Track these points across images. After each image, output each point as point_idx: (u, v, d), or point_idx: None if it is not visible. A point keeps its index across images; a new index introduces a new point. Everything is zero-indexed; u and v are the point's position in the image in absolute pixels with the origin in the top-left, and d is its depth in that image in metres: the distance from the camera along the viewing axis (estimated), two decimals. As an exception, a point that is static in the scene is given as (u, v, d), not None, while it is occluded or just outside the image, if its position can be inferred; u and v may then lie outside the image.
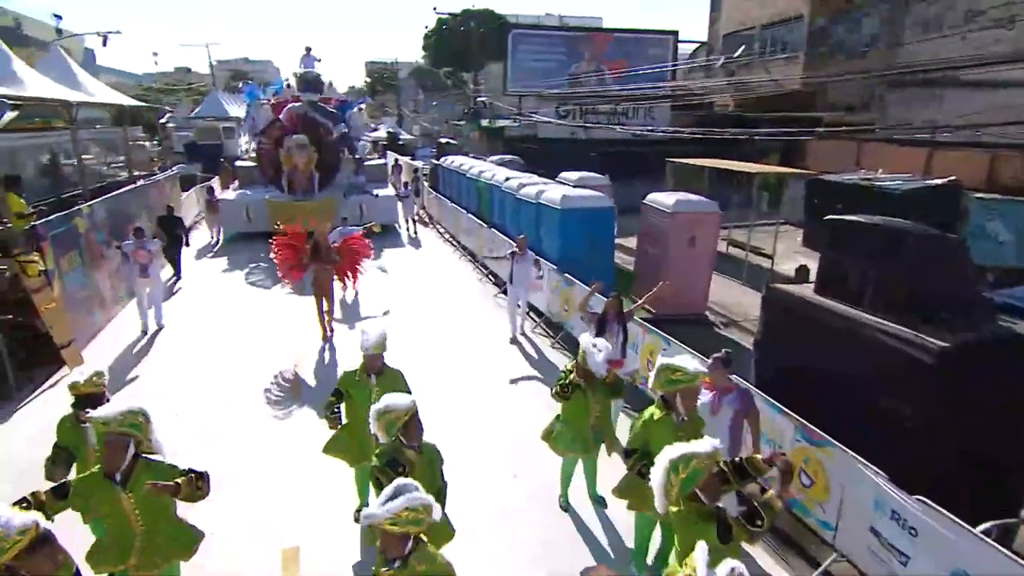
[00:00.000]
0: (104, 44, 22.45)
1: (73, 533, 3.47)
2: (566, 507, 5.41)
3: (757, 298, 11.77)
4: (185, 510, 3.59)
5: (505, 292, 9.80)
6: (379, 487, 3.55)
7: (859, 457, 4.25)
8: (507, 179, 13.10)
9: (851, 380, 5.08)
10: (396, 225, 17.97)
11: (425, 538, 2.80)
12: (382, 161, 21.30)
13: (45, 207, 9.09)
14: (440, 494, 3.86)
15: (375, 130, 48.64)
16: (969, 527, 3.55)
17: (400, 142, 40.75)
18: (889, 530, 4.01)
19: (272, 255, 9.27)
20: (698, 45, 32.50)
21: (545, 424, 5.22)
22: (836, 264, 5.57)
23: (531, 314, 10.24)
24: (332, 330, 9.27)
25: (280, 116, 15.62)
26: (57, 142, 11.08)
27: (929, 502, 3.73)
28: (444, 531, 3.88)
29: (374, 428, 3.68)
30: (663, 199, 10.45)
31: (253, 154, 16.98)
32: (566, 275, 9.17)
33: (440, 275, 13.29)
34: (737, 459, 3.45)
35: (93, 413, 3.21)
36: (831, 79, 18.39)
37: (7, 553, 2.29)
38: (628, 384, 6.58)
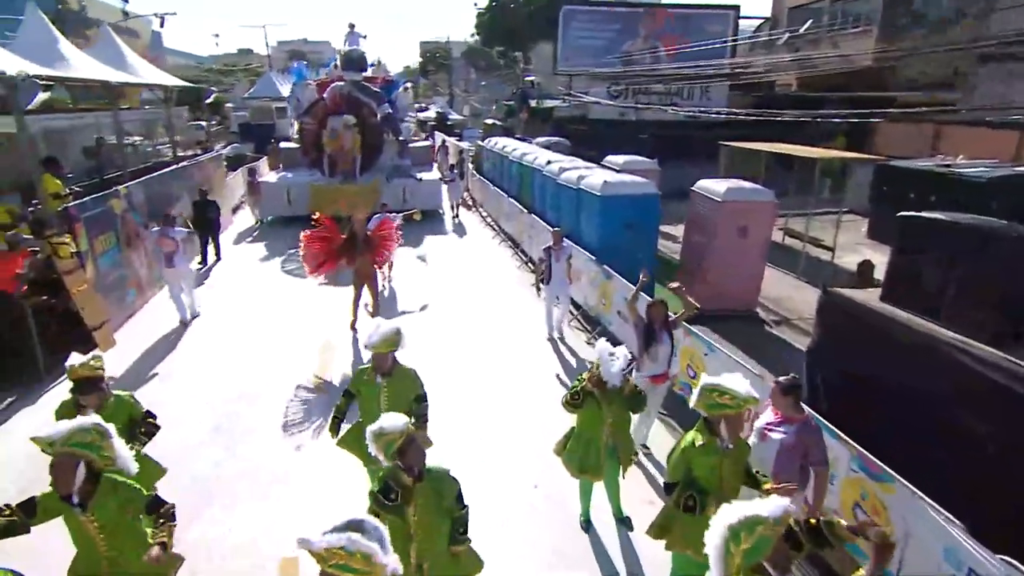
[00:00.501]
0: (161, 25, 22.91)
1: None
2: (587, 527, 4.97)
3: (813, 294, 10.95)
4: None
5: (539, 290, 9.21)
6: (373, 512, 3.25)
7: (930, 501, 3.61)
8: (548, 162, 12.53)
9: (922, 405, 4.38)
10: (440, 211, 17.43)
11: None
12: (427, 143, 20.76)
13: (80, 188, 9.10)
14: (456, 527, 3.45)
15: (425, 110, 48.62)
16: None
17: (449, 122, 40.45)
18: (962, 589, 3.38)
19: (301, 248, 8.71)
20: (762, 21, 30.69)
21: (563, 432, 4.79)
22: (909, 268, 4.84)
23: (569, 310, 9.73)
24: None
25: (324, 96, 15.32)
26: (100, 123, 11.13)
27: (1018, 565, 3.09)
28: (472, 562, 3.62)
29: (372, 450, 3.30)
30: (713, 186, 9.69)
31: (297, 135, 16.75)
32: (604, 267, 8.61)
33: (479, 264, 12.80)
34: (815, 520, 2.84)
35: (39, 435, 2.92)
36: (912, 53, 16.75)
37: None
38: (667, 388, 6.05)
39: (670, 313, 5.75)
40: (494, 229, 16.35)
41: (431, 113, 43.56)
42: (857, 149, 17.25)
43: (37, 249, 7.43)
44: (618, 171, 12.74)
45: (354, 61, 16.42)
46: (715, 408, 3.53)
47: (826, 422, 4.46)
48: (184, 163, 13.10)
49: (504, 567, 4.38)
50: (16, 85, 7.34)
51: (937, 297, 4.53)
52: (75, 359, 4.06)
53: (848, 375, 5.04)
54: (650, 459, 5.88)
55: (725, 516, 2.44)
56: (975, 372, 3.96)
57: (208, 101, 15.11)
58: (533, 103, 29.87)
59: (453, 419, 6.47)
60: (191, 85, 16.04)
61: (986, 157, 13.04)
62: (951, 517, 3.48)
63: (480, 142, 22.41)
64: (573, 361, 8.19)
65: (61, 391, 7.20)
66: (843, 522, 2.79)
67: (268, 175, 16.46)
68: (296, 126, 15.92)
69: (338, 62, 17.30)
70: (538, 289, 8.91)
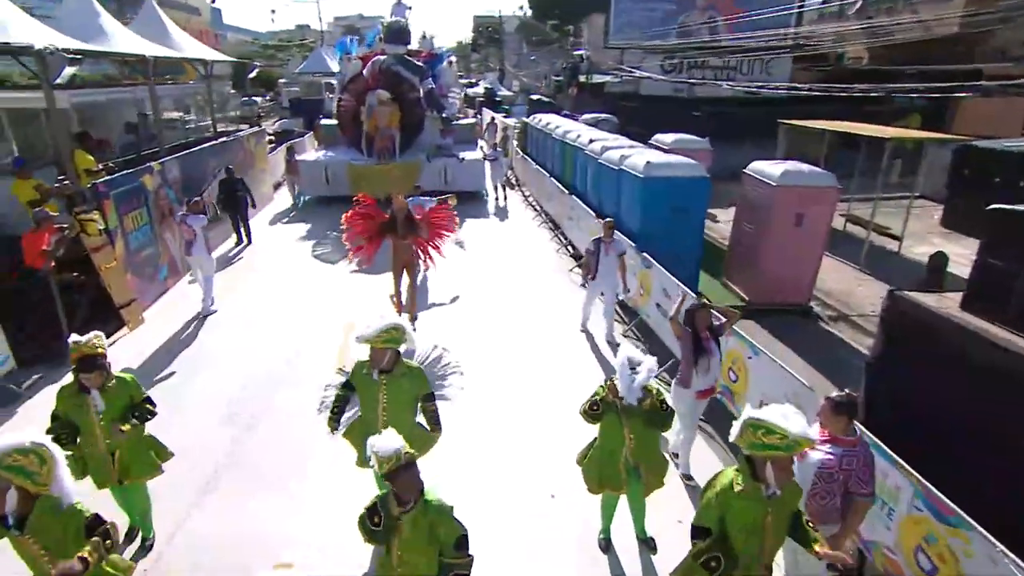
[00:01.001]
0: (212, 0, 23.06)
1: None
2: (607, 546, 4.52)
3: (876, 288, 10.06)
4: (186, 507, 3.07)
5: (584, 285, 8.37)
6: (362, 531, 2.98)
7: (1015, 558, 3.00)
8: (590, 141, 11.86)
9: (1008, 440, 3.70)
10: (483, 192, 16.64)
11: None
12: (472, 120, 19.90)
13: (115, 165, 9.06)
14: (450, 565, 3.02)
15: (474, 86, 47.98)
16: None
17: (497, 98, 39.79)
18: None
19: (343, 227, 8.17)
20: (832, -12, 28.56)
21: (590, 439, 4.32)
22: (999, 271, 4.09)
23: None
24: (414, 314, 8.32)
25: (364, 71, 14.80)
26: (139, 98, 11.11)
27: None
28: None
29: (372, 462, 2.94)
30: (767, 168, 8.88)
31: (336, 112, 16.08)
32: (644, 255, 8.01)
33: (517, 249, 12.13)
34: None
35: None
36: (1013, 14, 14.93)
37: None
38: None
39: (716, 317, 5.15)
40: (536, 210, 15.81)
41: (479, 89, 42.98)
42: (934, 128, 15.80)
43: (65, 226, 7.39)
44: (666, 151, 12.01)
45: (396, 33, 15.69)
46: (760, 449, 2.91)
47: (885, 447, 3.85)
48: (223, 139, 13.01)
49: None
50: (44, 58, 7.24)
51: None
52: (75, 337, 3.98)
53: (916, 395, 4.37)
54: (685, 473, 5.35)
55: None
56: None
57: (251, 76, 14.79)
58: (583, 78, 28.84)
59: (470, 416, 6.08)
60: (231, 60, 15.90)
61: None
62: (1041, 581, 2.87)
63: (525, 119, 21.73)
64: (607, 355, 7.60)
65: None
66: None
67: (307, 153, 16.06)
68: (336, 102, 15.33)
69: (381, 35, 16.76)
70: (585, 277, 8.05)
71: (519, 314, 8.72)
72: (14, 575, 3.12)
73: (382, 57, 15.02)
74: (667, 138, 13.12)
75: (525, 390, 6.64)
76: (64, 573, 2.53)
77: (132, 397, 4.16)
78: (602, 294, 7.96)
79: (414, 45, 17.12)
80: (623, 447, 4.01)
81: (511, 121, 24.95)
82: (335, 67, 33.22)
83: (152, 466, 4.37)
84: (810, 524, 3.16)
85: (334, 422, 4.37)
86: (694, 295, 6.45)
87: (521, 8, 49.74)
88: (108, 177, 8.20)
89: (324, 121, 16.82)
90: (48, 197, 7.58)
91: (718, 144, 14.20)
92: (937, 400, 4.12)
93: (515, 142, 21.67)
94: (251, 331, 8.08)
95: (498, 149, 16.58)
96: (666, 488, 4.27)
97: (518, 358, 7.38)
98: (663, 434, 4.23)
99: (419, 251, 8.25)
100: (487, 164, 16.16)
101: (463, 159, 15.46)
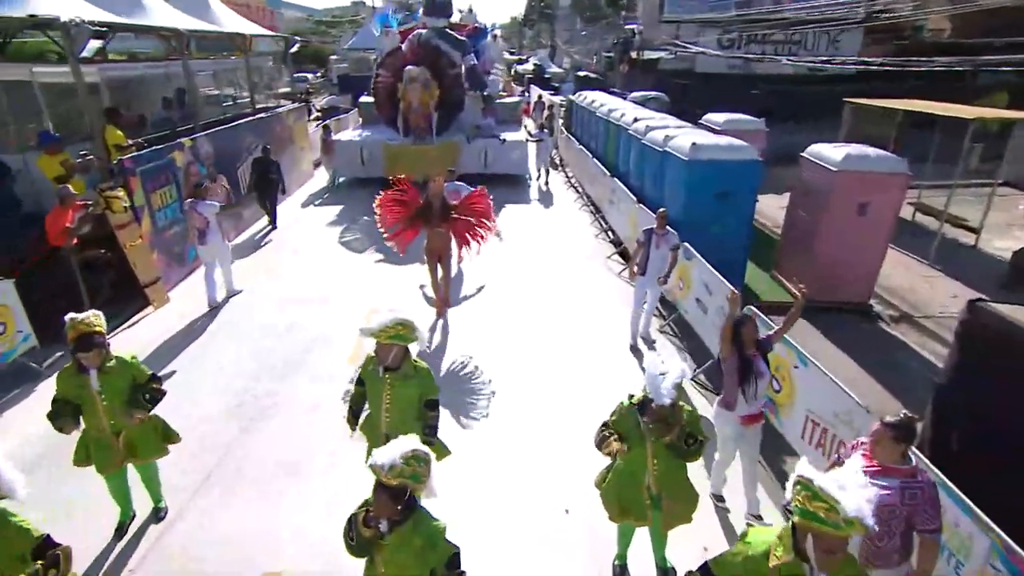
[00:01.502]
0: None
1: None
2: (622, 572, 4.08)
3: (946, 285, 9.09)
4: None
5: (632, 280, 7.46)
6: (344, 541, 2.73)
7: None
8: (635, 120, 11.15)
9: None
10: (526, 176, 15.83)
11: None
12: (516, 99, 19.11)
13: (144, 141, 8.98)
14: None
15: (523, 62, 47.05)
16: None
17: (547, 75, 38.85)
18: None
19: (376, 211, 7.64)
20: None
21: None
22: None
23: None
24: (447, 305, 7.96)
25: (403, 45, 14.17)
26: (174, 73, 11.01)
27: None
28: None
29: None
30: (827, 152, 8.04)
31: (373, 89, 15.14)
32: (686, 244, 7.37)
33: (556, 234, 11.51)
34: None
35: None
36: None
37: None
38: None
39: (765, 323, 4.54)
40: (578, 192, 15.20)
41: (528, 66, 42.08)
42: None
43: (90, 203, 7.34)
44: (717, 132, 11.19)
45: (437, 6, 14.91)
46: (802, 514, 2.31)
47: (956, 489, 3.24)
48: (261, 115, 12.88)
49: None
50: (70, 32, 7.12)
51: None
52: (72, 315, 3.85)
53: (997, 425, 3.70)
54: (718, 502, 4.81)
55: None
56: None
57: (293, 51, 14.57)
58: (634, 55, 27.68)
59: (488, 420, 5.73)
60: (271, 35, 15.70)
61: None
62: None
63: (572, 96, 20.93)
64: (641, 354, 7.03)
65: (113, 344, 7.20)
66: None
67: (344, 133, 15.60)
68: (373, 79, 14.65)
69: (422, 7, 16.09)
70: (632, 274, 7.25)
71: (551, 308, 8.15)
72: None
73: (422, 31, 14.35)
74: (719, 118, 12.24)
75: (549, 394, 6.16)
76: None
77: (134, 378, 4.04)
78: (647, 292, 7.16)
79: (456, 18, 16.52)
80: (645, 472, 3.54)
81: (558, 99, 24.16)
82: (385, 43, 33.10)
83: (158, 448, 4.28)
84: None
85: (353, 421, 4.10)
86: (734, 292, 5.83)
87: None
88: (135, 153, 8.09)
89: (364, 98, 16.25)
90: (73, 173, 7.52)
91: (775, 125, 13.21)
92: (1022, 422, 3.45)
93: (561, 121, 20.97)
94: (270, 317, 7.84)
95: (544, 130, 15.79)
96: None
97: (545, 357, 6.86)
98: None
99: (455, 241, 7.65)
100: (531, 146, 15.39)
101: (504, 140, 14.71)
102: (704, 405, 6.07)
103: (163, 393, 4.18)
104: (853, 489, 2.27)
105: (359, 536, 2.64)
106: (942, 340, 7.50)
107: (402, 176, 7.72)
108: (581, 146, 15.54)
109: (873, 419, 3.91)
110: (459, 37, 15.16)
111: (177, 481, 4.81)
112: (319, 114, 23.85)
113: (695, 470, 4.71)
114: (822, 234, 8.03)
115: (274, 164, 10.98)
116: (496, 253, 9.99)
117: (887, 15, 17.30)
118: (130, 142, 8.37)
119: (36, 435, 5.18)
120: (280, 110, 14.20)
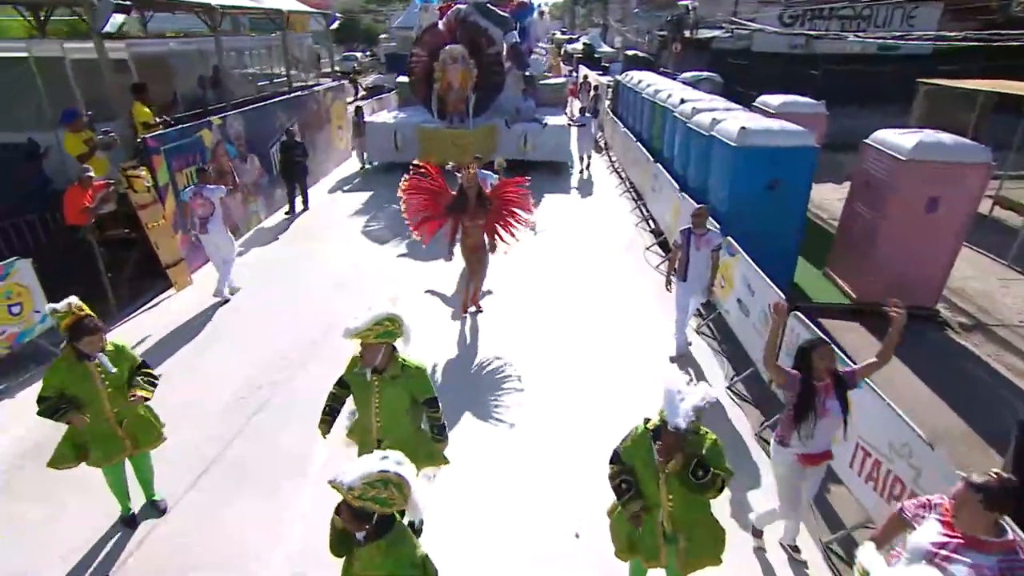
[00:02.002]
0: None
1: None
2: (633, 616, 3.63)
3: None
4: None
5: (669, 285, 6.62)
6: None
7: None
8: (682, 101, 10.41)
9: None
10: (568, 164, 14.97)
11: None
12: (561, 80, 18.14)
13: (172, 120, 8.87)
14: None
15: (573, 42, 45.82)
16: None
17: (596, 55, 37.71)
18: None
19: (401, 198, 7.02)
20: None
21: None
22: None
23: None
24: (478, 307, 7.40)
25: (440, 22, 13.47)
26: (206, 50, 10.86)
27: None
28: None
29: None
30: (895, 138, 7.21)
31: (408, 68, 14.38)
32: (729, 239, 6.75)
33: (594, 225, 10.82)
34: None
35: None
36: None
37: None
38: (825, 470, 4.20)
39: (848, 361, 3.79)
40: (620, 177, 14.53)
41: (578, 45, 40.94)
42: None
43: (112, 181, 7.24)
44: (772, 114, 10.36)
45: None
46: None
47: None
48: (295, 94, 12.69)
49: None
50: (93, 6, 6.98)
51: None
52: (53, 306, 3.70)
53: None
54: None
55: None
56: None
57: (332, 27, 14.24)
58: (688, 33, 26.42)
59: (501, 428, 5.33)
60: (309, 11, 15.43)
61: None
62: None
63: (618, 77, 20.08)
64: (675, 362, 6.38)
65: (130, 327, 7.16)
66: None
67: (377, 114, 15.06)
68: (409, 57, 13.96)
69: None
70: (668, 284, 6.47)
71: (581, 307, 7.56)
72: None
73: (461, 6, 13.62)
74: (774, 100, 11.36)
75: (571, 402, 5.67)
76: None
77: (132, 363, 3.92)
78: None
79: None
80: (659, 508, 3.08)
81: (605, 79, 23.31)
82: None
83: (158, 435, 4.14)
84: None
85: (326, 425, 3.77)
86: (780, 295, 5.22)
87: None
88: (159, 132, 7.96)
89: (400, 78, 15.64)
90: (94, 150, 7.44)
91: (836, 108, 12.18)
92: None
93: (607, 102, 20.18)
94: (284, 305, 7.57)
95: (587, 114, 14.88)
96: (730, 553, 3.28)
97: (570, 362, 6.32)
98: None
99: (486, 234, 7.00)
100: (573, 131, 14.49)
101: (546, 124, 13.86)
102: (739, 417, 5.53)
103: (157, 377, 4.07)
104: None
105: (332, 534, 2.53)
106: (1022, 353, 6.67)
107: (429, 161, 7.17)
108: (626, 129, 14.82)
109: (939, 460, 3.35)
110: (501, 13, 14.32)
111: (176, 474, 4.62)
112: (364, 93, 23.75)
113: (737, 503, 4.31)
114: (884, 230, 7.24)
115: (299, 146, 10.62)
116: (528, 246, 9.46)
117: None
118: (157, 120, 8.24)
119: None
120: (317, 88, 13.97)
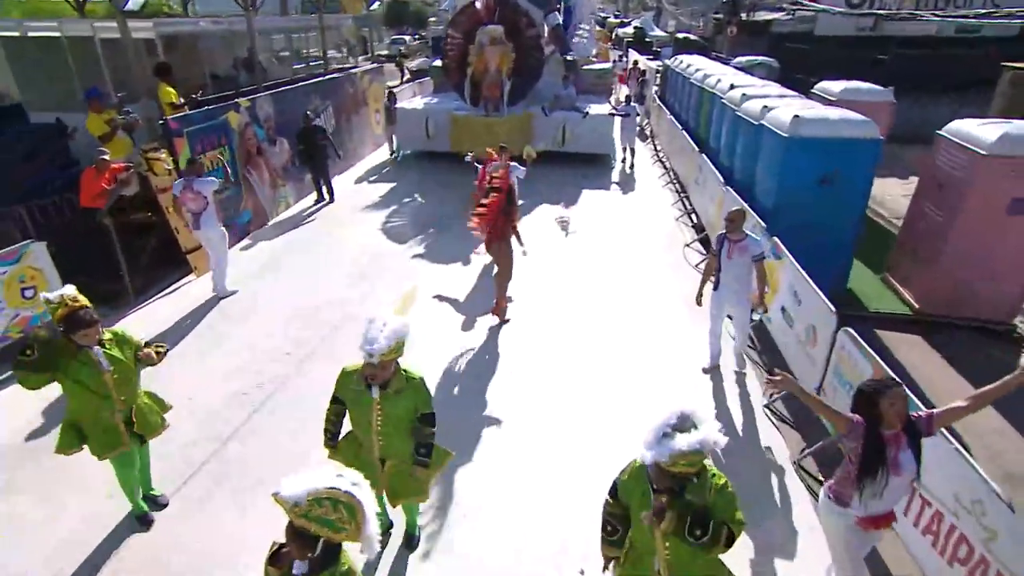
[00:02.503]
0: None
1: None
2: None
3: None
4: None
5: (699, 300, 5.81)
6: None
7: None
8: (731, 87, 9.65)
9: None
10: (611, 156, 13.87)
11: None
12: (606, 65, 16.88)
13: (199, 101, 8.72)
14: None
15: (624, 25, 44.52)
16: None
17: (648, 39, 36.47)
18: None
19: (471, 210, 6.29)
20: None
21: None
22: None
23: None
24: (502, 317, 6.71)
25: (477, 1, 12.45)
26: (238, 30, 10.68)
27: None
28: None
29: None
30: (974, 130, 6.35)
31: (442, 51, 13.62)
32: (775, 239, 6.11)
33: (632, 219, 10.11)
34: None
35: None
36: None
37: None
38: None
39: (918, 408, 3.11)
40: (664, 167, 13.78)
41: (628, 29, 39.72)
42: None
43: (131, 165, 7.11)
44: (832, 102, 9.51)
45: None
46: None
47: None
48: (331, 76, 12.45)
49: None
50: (115, -16, 6.81)
51: None
52: (47, 295, 3.49)
53: None
54: None
55: None
56: None
57: (371, 8, 13.92)
58: (745, 16, 25.07)
59: (511, 444, 4.90)
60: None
61: None
62: None
63: (667, 61, 19.17)
64: (732, 402, 5.44)
65: (147, 312, 7.05)
66: None
67: (409, 100, 14.38)
68: (443, 39, 13.11)
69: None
70: (699, 298, 5.66)
71: (609, 312, 6.92)
72: None
73: None
74: (835, 87, 10.43)
75: (588, 419, 5.13)
76: None
77: (134, 348, 3.71)
78: (729, 316, 5.69)
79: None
80: (654, 555, 2.63)
81: (654, 64, 22.37)
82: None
83: (161, 420, 3.96)
84: None
85: (331, 441, 3.46)
86: (830, 306, 4.60)
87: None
88: (181, 114, 7.80)
89: (435, 63, 14.89)
90: (116, 131, 7.32)
91: (906, 96, 11.18)
92: None
93: (655, 88, 19.32)
94: (296, 298, 7.21)
95: (631, 103, 13.76)
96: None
97: (592, 374, 5.75)
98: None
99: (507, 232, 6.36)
100: (617, 120, 13.30)
101: (587, 114, 12.77)
102: (776, 441, 4.93)
103: (166, 348, 3.90)
104: None
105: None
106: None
107: (466, 153, 6.63)
108: (671, 116, 14.03)
109: (1018, 522, 2.75)
110: (546, -9, 13.64)
111: (174, 470, 4.44)
112: (410, 77, 23.51)
113: (765, 548, 3.78)
114: (956, 232, 6.43)
115: (319, 130, 10.14)
116: (559, 246, 8.92)
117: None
118: (181, 100, 8.08)
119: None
120: (355, 70, 13.71)
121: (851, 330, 4.32)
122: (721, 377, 5.78)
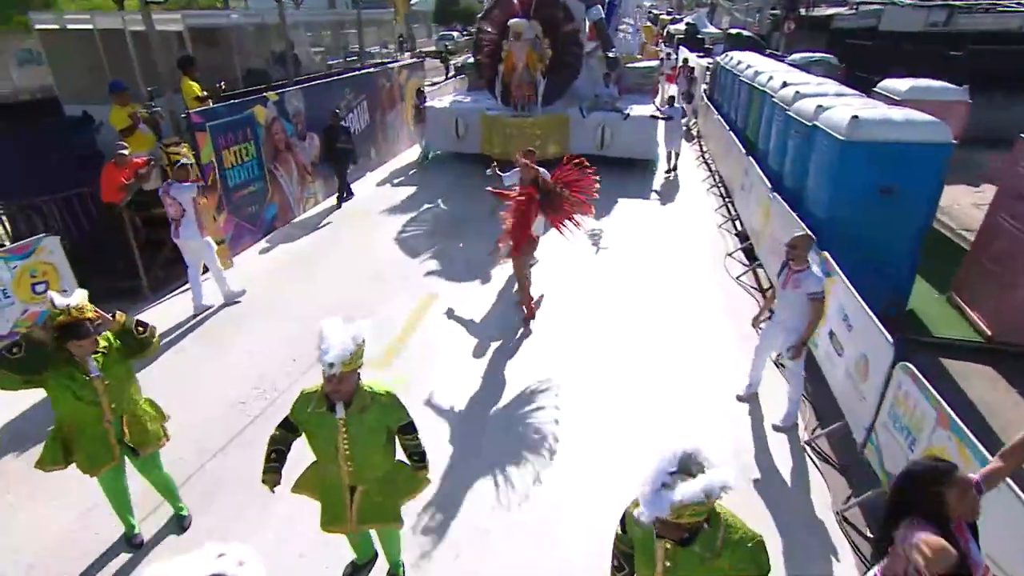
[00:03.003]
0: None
1: None
2: None
3: None
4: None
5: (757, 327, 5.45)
6: None
7: None
8: (783, 84, 8.91)
9: None
10: (654, 161, 12.87)
11: None
12: (651, 63, 15.79)
13: (225, 94, 8.60)
14: None
15: (676, 21, 43.24)
16: None
17: (699, 36, 35.21)
18: None
19: (502, 211, 6.31)
20: None
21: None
22: None
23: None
24: (531, 316, 6.55)
25: None
26: (271, 23, 10.51)
27: None
28: None
29: None
30: (1067, 135, 5.57)
31: (474, 48, 13.15)
32: (825, 253, 5.47)
33: (672, 227, 9.45)
34: None
35: None
36: None
37: None
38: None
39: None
40: (709, 170, 13.04)
41: (680, 26, 38.51)
42: None
43: (151, 159, 6.99)
44: (898, 102, 8.68)
45: None
46: None
47: None
48: (366, 70, 12.22)
49: None
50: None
51: None
52: (59, 300, 3.19)
53: None
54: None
55: None
56: None
57: (412, 3, 13.69)
58: (803, 11, 23.85)
59: (525, 467, 4.49)
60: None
61: None
62: None
63: (718, 58, 18.29)
64: (769, 434, 4.87)
65: (163, 309, 6.93)
66: None
67: (439, 98, 13.75)
68: (476, 35, 12.64)
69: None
70: (755, 322, 5.34)
71: (641, 328, 6.39)
72: None
73: None
74: (901, 85, 9.55)
75: (610, 445, 4.68)
76: None
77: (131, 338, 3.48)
78: (788, 352, 4.91)
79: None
80: None
81: (704, 62, 21.43)
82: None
83: (160, 431, 3.69)
84: None
85: (272, 474, 3.06)
86: (887, 336, 3.98)
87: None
88: (204, 107, 7.64)
89: (469, 59, 14.45)
90: (137, 124, 7.23)
91: (982, 95, 10.18)
92: None
93: (704, 87, 18.48)
94: (305, 305, 6.88)
95: (676, 105, 12.44)
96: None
97: (618, 396, 5.28)
98: None
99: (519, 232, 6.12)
100: (660, 123, 12.15)
101: (628, 115, 11.88)
102: (817, 482, 4.35)
103: (153, 329, 3.56)
104: None
105: None
106: None
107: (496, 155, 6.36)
108: (719, 116, 13.28)
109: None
110: (589, -15, 12.98)
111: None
112: (454, 73, 23.30)
113: None
114: (1038, 252, 5.66)
115: (343, 130, 9.85)
116: (590, 259, 8.32)
117: None
118: (205, 93, 7.95)
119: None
120: (391, 65, 13.47)
121: (911, 365, 3.70)
122: (759, 405, 5.21)
